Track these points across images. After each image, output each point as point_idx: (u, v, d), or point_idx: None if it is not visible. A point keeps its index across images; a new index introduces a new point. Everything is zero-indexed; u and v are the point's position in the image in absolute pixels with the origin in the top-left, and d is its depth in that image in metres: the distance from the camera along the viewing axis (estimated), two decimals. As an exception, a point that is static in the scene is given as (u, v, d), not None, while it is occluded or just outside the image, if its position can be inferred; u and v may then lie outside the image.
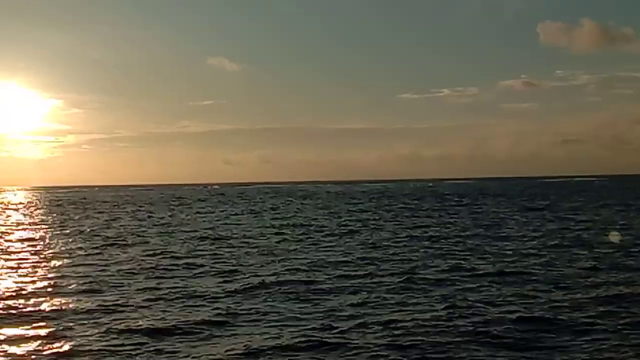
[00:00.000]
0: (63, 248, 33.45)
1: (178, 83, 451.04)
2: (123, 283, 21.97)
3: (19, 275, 23.59)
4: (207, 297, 19.16)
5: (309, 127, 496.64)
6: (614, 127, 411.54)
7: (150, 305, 18.16)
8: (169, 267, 25.64)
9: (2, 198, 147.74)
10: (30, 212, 76.10)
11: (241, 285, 20.99)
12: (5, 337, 14.69)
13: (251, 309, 17.38)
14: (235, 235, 39.17)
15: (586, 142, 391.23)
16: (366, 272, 23.28)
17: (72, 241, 37.10)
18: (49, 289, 20.67)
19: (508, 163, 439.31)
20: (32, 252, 31.50)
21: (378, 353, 13.11)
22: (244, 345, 13.70)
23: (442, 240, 34.07)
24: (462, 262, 25.59)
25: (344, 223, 48.04)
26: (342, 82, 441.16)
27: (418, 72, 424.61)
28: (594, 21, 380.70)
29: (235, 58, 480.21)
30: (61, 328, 15.49)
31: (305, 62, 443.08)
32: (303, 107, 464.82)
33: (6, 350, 13.66)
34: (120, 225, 49.92)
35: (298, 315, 16.54)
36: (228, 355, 13.19)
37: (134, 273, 24.27)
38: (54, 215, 67.41)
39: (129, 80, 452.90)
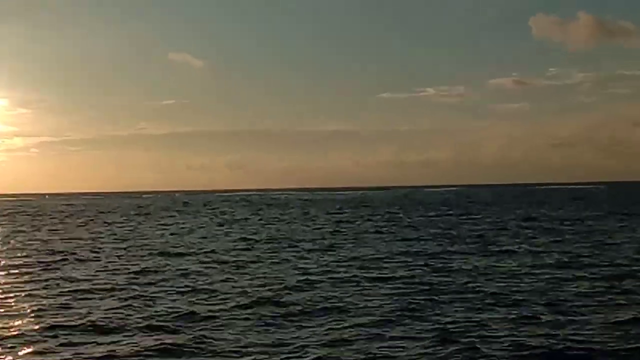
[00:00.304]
0: (8, 264, 32.85)
1: (136, 80, 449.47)
2: (72, 305, 21.57)
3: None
4: (165, 321, 18.75)
5: (283, 130, 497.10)
6: (611, 129, 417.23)
7: (101, 330, 17.75)
8: (126, 287, 25.17)
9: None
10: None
11: (204, 308, 20.61)
12: None
13: (211, 337, 16.92)
14: (201, 250, 38.73)
15: (580, 145, 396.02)
16: (348, 294, 22.94)
17: (18, 256, 36.44)
18: (-11, 313, 20.14)
19: (497, 168, 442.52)
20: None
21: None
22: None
23: (435, 257, 33.91)
24: (470, 283, 25.00)
25: (322, 236, 47.78)
26: (319, 81, 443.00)
27: (400, 70, 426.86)
28: (591, 14, 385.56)
29: (200, 53, 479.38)
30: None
31: (278, 60, 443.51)
32: (276, 109, 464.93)
33: None
34: (74, 239, 49.22)
35: (264, 346, 16.03)
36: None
37: (85, 291, 23.87)
38: (-2, 226, 66.50)
39: (81, 77, 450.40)
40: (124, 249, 40.77)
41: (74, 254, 37.62)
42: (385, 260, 32.53)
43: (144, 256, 36.28)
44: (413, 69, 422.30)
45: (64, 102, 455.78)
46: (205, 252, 37.40)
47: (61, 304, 21.74)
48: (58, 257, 35.79)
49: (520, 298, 21.59)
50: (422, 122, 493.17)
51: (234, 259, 34.19)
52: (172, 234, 52.46)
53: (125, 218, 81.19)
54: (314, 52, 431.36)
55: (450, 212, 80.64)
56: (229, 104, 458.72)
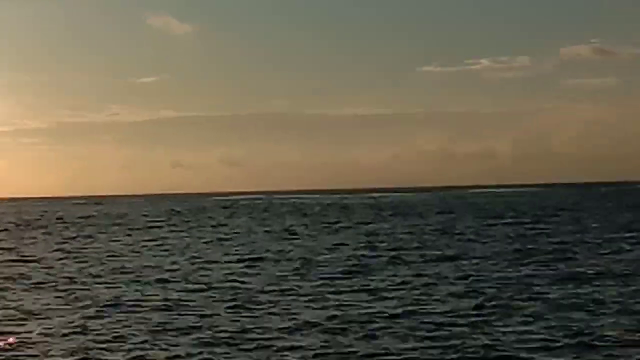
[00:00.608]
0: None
1: (106, 52, 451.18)
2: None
3: None
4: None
5: (292, 114, 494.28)
6: None
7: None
8: (106, 322, 25.45)
9: None
10: None
11: (207, 350, 20.80)
12: None
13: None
14: (201, 278, 38.72)
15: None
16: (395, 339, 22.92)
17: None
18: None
19: (575, 162, 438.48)
20: None
21: None
22: None
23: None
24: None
25: (352, 255, 47.87)
26: (339, 50, 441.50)
27: (447, 36, 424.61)
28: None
29: (187, 16, 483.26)
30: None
31: (287, 22, 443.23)
32: (284, 86, 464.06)
33: None
34: (32, 258, 49.57)
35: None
36: None
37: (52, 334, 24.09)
38: None
39: (38, 48, 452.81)
40: (102, 273, 41.00)
41: (38, 280, 37.83)
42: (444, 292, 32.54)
43: (134, 282, 36.49)
44: (463, 35, 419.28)
45: (16, 80, 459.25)
46: (207, 280, 37.40)
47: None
48: (22, 284, 36.06)
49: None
50: (475, 104, 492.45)
51: (244, 286, 34.31)
52: (170, 250, 52.74)
53: (97, 230, 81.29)
54: (335, 14, 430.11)
55: (526, 221, 79.99)
56: (223, 81, 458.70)
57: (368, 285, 33.78)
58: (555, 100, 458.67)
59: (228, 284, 35.13)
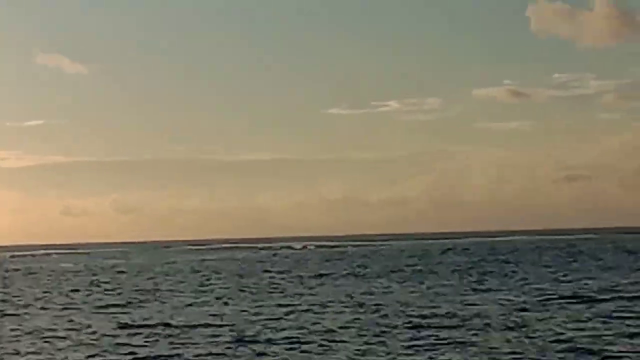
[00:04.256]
0: None
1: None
2: None
3: None
4: None
5: (193, 160, 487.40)
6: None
7: None
8: None
9: None
10: None
11: None
12: None
13: None
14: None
15: (601, 179, 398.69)
16: None
17: None
18: None
19: (488, 210, 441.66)
20: None
21: None
22: None
23: None
24: None
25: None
26: (243, 93, 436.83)
27: (352, 77, 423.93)
28: (610, 2, 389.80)
29: (80, 55, 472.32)
30: None
31: (188, 64, 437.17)
32: (184, 130, 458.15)
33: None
34: None
35: None
36: None
37: None
38: None
39: None
40: None
41: None
42: None
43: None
44: (370, 77, 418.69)
45: None
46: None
47: None
48: None
49: None
50: (385, 147, 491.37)
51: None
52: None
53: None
54: (240, 56, 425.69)
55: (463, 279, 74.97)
56: (119, 124, 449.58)
57: None
58: (468, 144, 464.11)
59: None
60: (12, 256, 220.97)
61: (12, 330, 44.43)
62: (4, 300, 64.96)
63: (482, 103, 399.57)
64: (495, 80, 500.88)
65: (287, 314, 48.05)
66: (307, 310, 49.78)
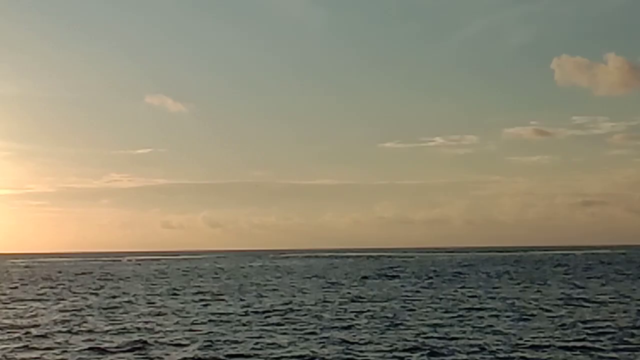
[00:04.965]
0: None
1: (106, 126, 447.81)
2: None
3: None
4: None
5: (270, 183, 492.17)
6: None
7: None
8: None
9: None
10: None
11: None
12: None
13: None
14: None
15: (611, 205, 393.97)
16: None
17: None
18: None
19: (515, 229, 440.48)
20: None
21: None
22: None
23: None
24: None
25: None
26: (312, 129, 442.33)
27: (404, 116, 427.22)
28: (621, 56, 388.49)
29: (181, 96, 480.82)
30: None
31: (266, 105, 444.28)
32: (263, 159, 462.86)
33: None
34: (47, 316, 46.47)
35: None
36: None
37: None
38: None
39: (45, 122, 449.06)
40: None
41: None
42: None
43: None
44: (419, 116, 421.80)
45: (25, 150, 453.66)
46: None
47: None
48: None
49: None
50: (429, 176, 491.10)
51: None
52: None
53: (92, 288, 78.15)
54: (308, 98, 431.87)
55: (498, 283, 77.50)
56: (210, 153, 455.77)
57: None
58: (499, 175, 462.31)
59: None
60: (129, 260, 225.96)
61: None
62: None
63: (512, 140, 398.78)
64: (523, 121, 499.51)
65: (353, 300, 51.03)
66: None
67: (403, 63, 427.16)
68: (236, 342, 33.50)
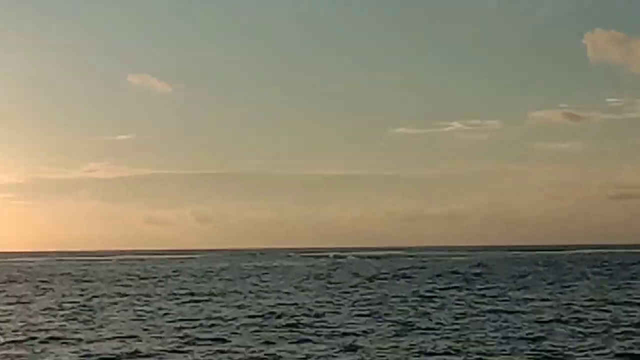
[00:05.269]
0: None
1: (83, 109, 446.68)
2: None
3: None
4: None
5: (267, 174, 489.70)
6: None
7: None
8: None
9: None
10: None
11: None
12: None
13: None
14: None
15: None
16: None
17: None
18: None
19: (542, 225, 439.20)
20: None
21: None
22: None
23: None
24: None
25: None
26: (313, 113, 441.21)
27: (417, 98, 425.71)
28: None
29: (167, 76, 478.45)
30: None
31: (263, 85, 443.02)
32: (259, 147, 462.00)
33: None
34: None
35: None
36: None
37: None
38: None
39: (11, 103, 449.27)
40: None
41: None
42: None
43: None
44: (435, 99, 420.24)
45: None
46: None
47: None
48: None
49: None
50: (446, 166, 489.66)
51: None
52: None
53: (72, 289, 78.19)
54: (310, 78, 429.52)
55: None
56: (200, 140, 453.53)
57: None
58: (524, 164, 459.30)
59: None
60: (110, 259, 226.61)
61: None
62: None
63: (539, 125, 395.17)
64: (551, 103, 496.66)
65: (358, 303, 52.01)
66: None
67: (417, 38, 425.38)
68: (235, 352, 33.49)
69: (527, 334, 37.28)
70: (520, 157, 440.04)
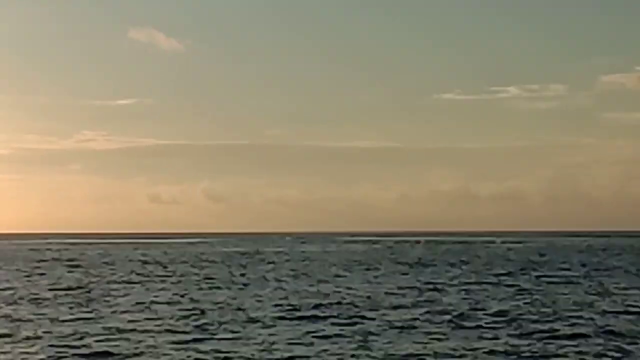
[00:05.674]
0: None
1: (77, 68, 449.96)
2: None
3: None
4: None
5: (290, 146, 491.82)
6: None
7: None
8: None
9: None
10: None
11: None
12: None
13: None
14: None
15: None
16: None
17: None
18: None
19: (614, 207, 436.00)
20: None
21: None
22: None
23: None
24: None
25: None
26: (346, 75, 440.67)
27: (468, 59, 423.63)
28: None
29: (175, 31, 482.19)
30: None
31: (286, 41, 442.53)
32: (281, 114, 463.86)
33: None
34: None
35: None
36: None
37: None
38: None
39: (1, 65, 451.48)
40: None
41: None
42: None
43: None
44: (487, 59, 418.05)
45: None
46: None
47: None
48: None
49: None
50: (501, 137, 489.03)
51: None
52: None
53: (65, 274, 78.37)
54: (343, 36, 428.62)
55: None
56: (213, 105, 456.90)
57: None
58: (593, 136, 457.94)
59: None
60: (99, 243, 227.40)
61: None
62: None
63: (610, 91, 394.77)
64: (625, 65, 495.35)
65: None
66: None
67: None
68: (262, 343, 33.63)
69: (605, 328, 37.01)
70: (589, 128, 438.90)
